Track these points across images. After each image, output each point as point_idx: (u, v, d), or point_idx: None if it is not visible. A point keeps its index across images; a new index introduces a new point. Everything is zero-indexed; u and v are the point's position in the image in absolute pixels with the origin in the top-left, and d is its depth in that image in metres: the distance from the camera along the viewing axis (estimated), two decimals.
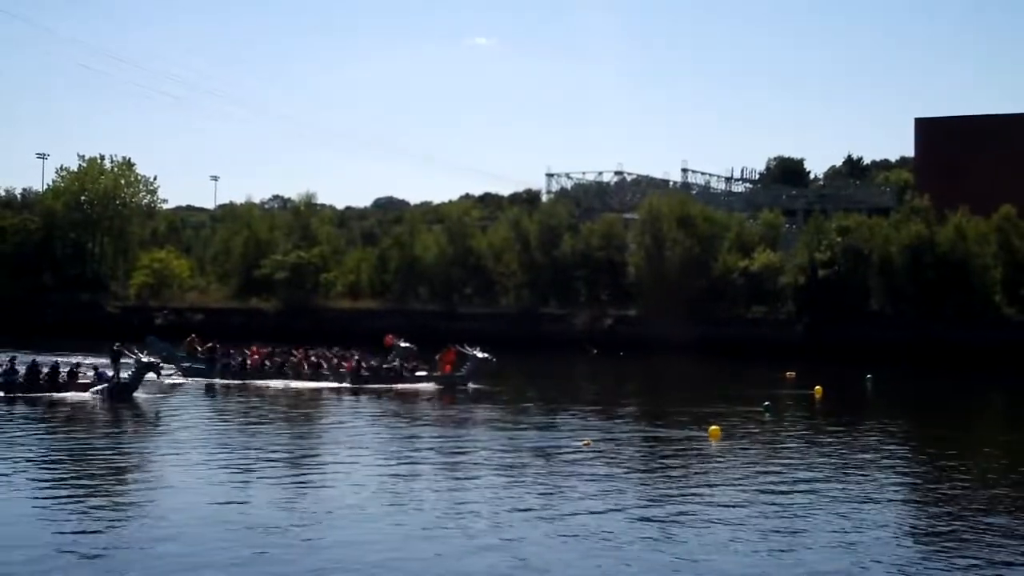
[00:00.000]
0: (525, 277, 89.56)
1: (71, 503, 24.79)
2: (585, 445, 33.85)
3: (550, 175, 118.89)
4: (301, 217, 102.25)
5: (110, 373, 46.92)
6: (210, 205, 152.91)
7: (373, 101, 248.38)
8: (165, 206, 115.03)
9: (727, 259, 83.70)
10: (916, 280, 77.01)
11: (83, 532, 22.06)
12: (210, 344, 58.13)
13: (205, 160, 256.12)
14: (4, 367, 46.89)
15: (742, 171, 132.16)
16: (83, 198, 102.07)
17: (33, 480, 27.50)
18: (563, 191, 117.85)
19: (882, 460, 32.92)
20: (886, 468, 31.52)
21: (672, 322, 76.35)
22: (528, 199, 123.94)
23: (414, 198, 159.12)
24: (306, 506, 24.81)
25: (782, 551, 21.32)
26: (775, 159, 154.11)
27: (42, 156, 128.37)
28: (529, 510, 24.49)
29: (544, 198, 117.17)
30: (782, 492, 27.04)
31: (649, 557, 20.82)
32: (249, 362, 55.16)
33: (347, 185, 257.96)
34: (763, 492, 26.97)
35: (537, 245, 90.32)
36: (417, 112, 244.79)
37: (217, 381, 53.36)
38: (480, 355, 53.38)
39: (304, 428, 40.01)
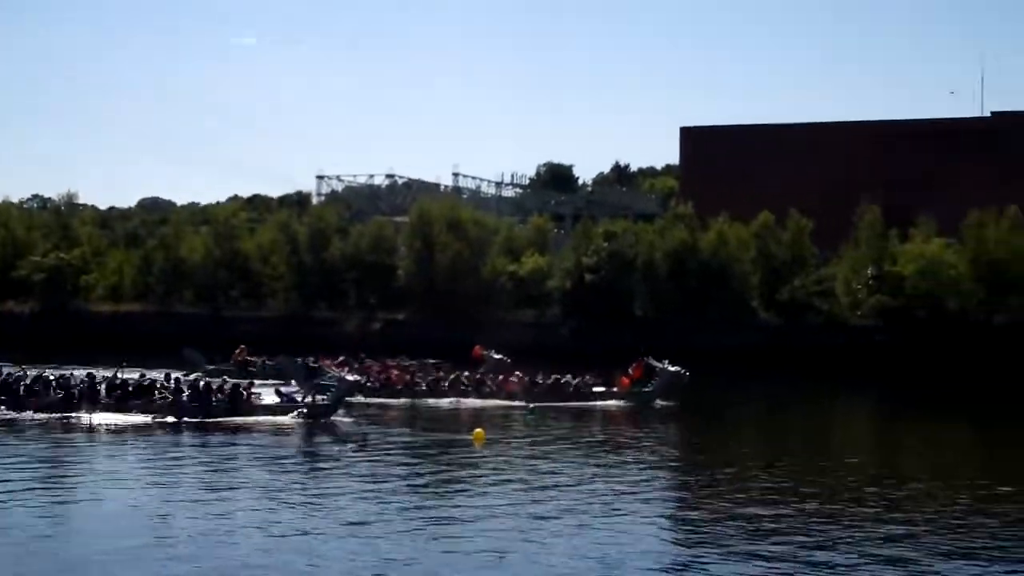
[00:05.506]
0: (293, 280, 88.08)
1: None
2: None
3: (320, 177, 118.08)
4: (61, 217, 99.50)
5: (300, 393, 41.54)
6: None
7: (138, 100, 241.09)
8: None
9: (496, 263, 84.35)
10: (679, 285, 78.88)
11: None
12: (341, 359, 51.60)
13: None
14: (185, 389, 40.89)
15: (512, 176, 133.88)
16: None
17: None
18: (334, 194, 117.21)
19: (641, 463, 33.49)
20: (644, 471, 32.13)
21: (442, 325, 76.33)
22: (298, 201, 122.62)
23: (181, 199, 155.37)
24: None
25: (537, 557, 21.33)
26: (545, 165, 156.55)
27: None
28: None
29: (314, 200, 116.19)
30: (540, 496, 27.20)
31: (409, 561, 20.57)
32: (392, 378, 49.82)
33: (111, 185, 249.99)
34: (522, 495, 27.13)
35: (306, 247, 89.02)
36: (183, 113, 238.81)
37: (359, 399, 45.31)
38: (671, 368, 49.13)
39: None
